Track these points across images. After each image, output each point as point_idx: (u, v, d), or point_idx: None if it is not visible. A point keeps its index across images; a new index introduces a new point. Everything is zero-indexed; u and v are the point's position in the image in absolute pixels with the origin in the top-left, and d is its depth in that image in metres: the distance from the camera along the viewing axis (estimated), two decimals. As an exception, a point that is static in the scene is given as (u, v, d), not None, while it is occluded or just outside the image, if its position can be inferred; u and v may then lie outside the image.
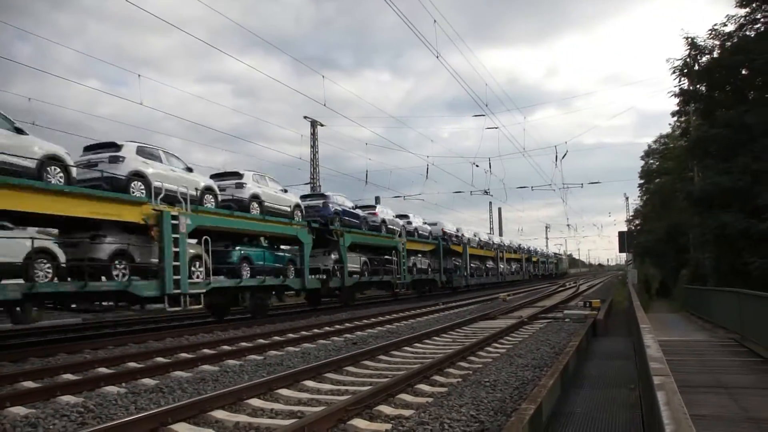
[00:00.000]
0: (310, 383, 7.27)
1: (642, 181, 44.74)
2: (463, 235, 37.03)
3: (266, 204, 17.71)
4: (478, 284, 38.37)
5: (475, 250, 38.15)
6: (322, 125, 35.23)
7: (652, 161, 42.90)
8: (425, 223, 32.76)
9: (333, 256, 21.12)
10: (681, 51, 18.93)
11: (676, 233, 28.29)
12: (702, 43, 18.46)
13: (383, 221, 25.78)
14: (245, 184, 17.37)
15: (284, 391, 6.76)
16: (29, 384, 7.64)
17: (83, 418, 5.72)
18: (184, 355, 10.17)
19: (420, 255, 29.61)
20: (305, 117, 35.17)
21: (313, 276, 19.52)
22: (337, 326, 14.47)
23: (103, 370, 8.73)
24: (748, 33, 17.67)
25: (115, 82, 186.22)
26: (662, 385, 3.23)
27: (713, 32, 18.16)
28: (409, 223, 29.62)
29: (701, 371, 8.49)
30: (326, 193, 22.74)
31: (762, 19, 17.53)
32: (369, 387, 6.65)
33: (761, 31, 17.42)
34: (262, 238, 18.97)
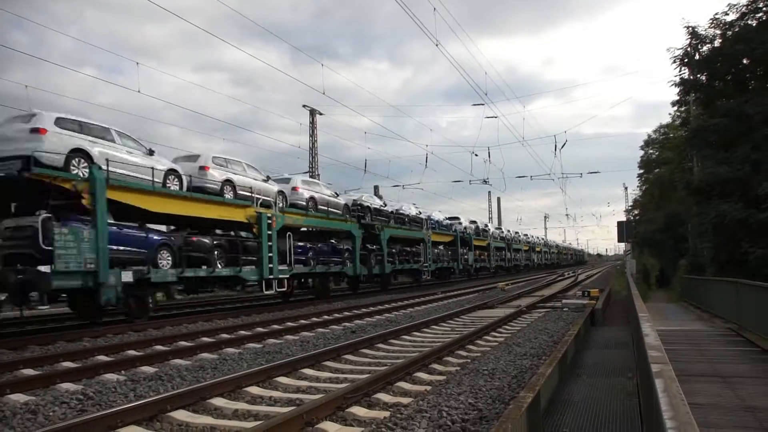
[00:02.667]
0: (308, 371, 7.29)
1: (641, 171, 44.77)
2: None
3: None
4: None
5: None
6: (321, 114, 35.08)
7: (651, 151, 42.83)
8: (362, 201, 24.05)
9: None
10: (681, 41, 18.89)
11: (675, 223, 28.30)
12: (703, 33, 18.38)
13: None
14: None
15: (283, 379, 6.78)
16: (29, 371, 7.65)
17: (83, 405, 5.74)
18: (183, 343, 10.20)
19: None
20: (304, 106, 35.03)
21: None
22: (336, 315, 14.51)
23: (102, 357, 8.76)
24: (749, 22, 17.57)
25: (112, 70, 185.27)
26: (660, 372, 3.22)
27: (714, 21, 18.07)
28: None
29: (699, 360, 8.52)
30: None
31: (764, 8, 17.41)
32: (367, 375, 6.67)
33: (763, 20, 17.31)
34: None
